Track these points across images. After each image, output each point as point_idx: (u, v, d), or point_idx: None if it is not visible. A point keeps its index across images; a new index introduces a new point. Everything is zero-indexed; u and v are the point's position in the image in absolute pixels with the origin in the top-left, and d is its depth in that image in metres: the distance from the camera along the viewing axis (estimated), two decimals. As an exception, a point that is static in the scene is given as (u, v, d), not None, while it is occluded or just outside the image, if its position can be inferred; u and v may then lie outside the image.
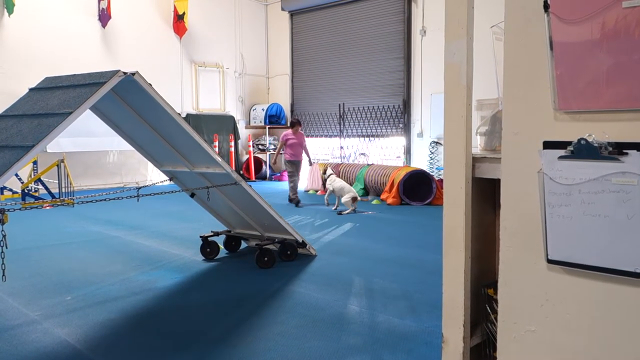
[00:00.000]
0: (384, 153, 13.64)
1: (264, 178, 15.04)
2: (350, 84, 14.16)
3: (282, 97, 15.93)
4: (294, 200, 9.92)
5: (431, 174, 10.76)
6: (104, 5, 12.44)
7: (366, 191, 11.25)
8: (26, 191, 9.45)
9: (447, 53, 2.25)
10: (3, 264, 3.75)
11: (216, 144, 14.11)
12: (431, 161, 12.40)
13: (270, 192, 12.02)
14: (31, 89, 4.78)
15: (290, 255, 5.67)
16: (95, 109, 5.17)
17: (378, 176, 10.92)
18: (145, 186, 6.08)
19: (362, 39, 13.80)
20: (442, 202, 2.38)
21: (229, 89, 15.45)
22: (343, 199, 9.13)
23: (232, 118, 15.16)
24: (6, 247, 3.71)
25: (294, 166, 10.10)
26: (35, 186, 9.99)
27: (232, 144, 14.61)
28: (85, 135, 11.33)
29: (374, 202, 10.34)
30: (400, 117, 13.20)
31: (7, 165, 3.56)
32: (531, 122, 1.88)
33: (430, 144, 12.51)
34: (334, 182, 9.32)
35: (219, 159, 5.13)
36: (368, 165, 11.88)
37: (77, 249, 6.33)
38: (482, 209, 2.43)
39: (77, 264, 5.60)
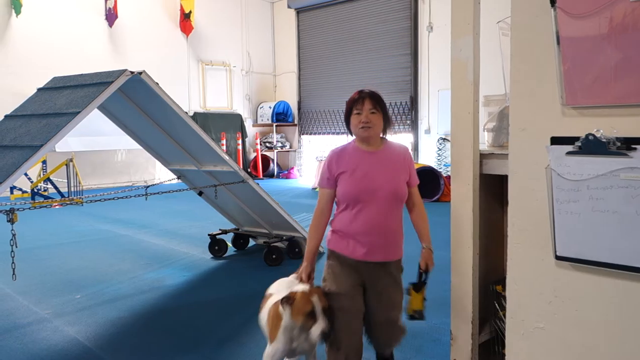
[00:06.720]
0: (391, 150, 13.60)
1: (271, 176, 15.05)
2: (357, 80, 14.11)
3: (289, 95, 15.92)
4: None
5: (439, 170, 10.71)
6: (110, 4, 12.48)
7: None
8: (35, 190, 9.52)
9: (453, 49, 2.24)
10: (13, 263, 3.78)
11: (224, 142, 14.12)
12: (439, 158, 12.35)
13: (278, 189, 12.03)
14: (39, 89, 4.82)
15: (298, 252, 5.67)
16: (103, 108, 5.20)
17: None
18: (153, 185, 6.10)
19: (369, 35, 13.75)
20: (450, 198, 2.37)
21: (236, 87, 15.46)
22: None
23: (239, 116, 15.18)
24: (16, 246, 3.74)
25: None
26: (45, 185, 10.05)
27: (240, 142, 14.62)
28: (94, 135, 11.37)
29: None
30: (407, 113, 13.16)
31: (16, 165, 3.59)
32: (538, 118, 1.87)
33: (438, 140, 12.46)
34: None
35: (226, 157, 5.14)
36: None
37: (86, 248, 6.37)
38: (489, 206, 2.43)
39: (87, 263, 5.64)
